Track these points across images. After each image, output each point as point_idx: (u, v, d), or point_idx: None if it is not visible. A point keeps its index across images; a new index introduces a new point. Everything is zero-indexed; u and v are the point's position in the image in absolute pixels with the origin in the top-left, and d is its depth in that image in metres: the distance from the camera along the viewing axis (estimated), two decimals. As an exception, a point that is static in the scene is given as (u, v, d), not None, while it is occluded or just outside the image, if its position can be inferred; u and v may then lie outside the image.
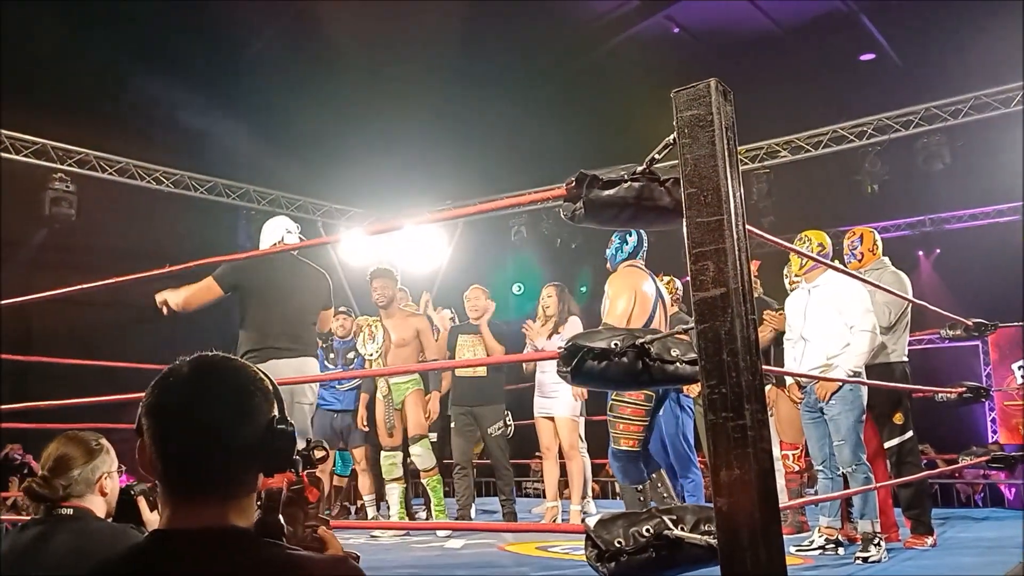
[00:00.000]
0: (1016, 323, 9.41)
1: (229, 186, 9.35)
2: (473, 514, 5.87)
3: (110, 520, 2.16)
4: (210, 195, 9.19)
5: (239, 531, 1.16)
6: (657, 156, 1.74)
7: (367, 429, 5.90)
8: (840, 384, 4.10)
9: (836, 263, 4.37)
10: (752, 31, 10.13)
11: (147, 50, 8.89)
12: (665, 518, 1.66)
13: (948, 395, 4.75)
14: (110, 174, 8.39)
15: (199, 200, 9.14)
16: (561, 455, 5.68)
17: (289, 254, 4.12)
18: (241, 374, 1.23)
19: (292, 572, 1.13)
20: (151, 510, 2.20)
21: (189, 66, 9.55)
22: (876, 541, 4.03)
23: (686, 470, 5.01)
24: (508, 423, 6.15)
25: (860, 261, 4.83)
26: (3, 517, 7.11)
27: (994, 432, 11.01)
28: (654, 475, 4.15)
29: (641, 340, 1.78)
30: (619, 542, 1.63)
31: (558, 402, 5.53)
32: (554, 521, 5.55)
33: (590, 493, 6.05)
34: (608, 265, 4.52)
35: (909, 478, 4.35)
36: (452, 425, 5.89)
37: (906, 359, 4.72)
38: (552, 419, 5.60)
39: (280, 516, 1.27)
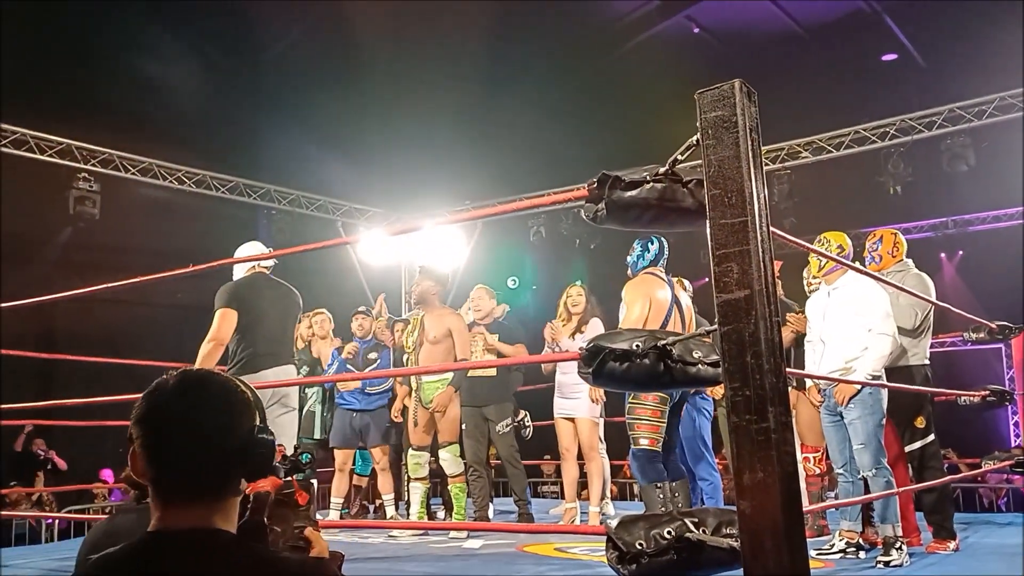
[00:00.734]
0: (1040, 326, 9.28)
1: (250, 186, 9.40)
2: (491, 515, 5.85)
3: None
4: (231, 195, 9.24)
5: (221, 532, 1.25)
6: (680, 157, 1.74)
7: (400, 420, 5.99)
8: (859, 388, 4.06)
9: (856, 264, 4.34)
10: (773, 31, 10.10)
11: (171, 51, 8.97)
12: (687, 520, 1.66)
13: (971, 399, 4.70)
14: (133, 174, 8.45)
15: (221, 200, 9.20)
16: (580, 456, 5.67)
17: (264, 275, 4.54)
18: (224, 386, 1.32)
19: (266, 571, 1.24)
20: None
21: (213, 67, 9.64)
22: (898, 545, 4.00)
23: (703, 472, 5.00)
24: (526, 423, 6.13)
25: (880, 264, 4.77)
26: (27, 513, 7.21)
27: (1017, 436, 10.88)
28: (675, 482, 4.12)
29: (663, 342, 1.78)
30: (640, 544, 1.63)
31: (580, 403, 5.50)
32: (572, 522, 5.54)
33: (609, 494, 6.03)
34: (628, 271, 4.52)
35: (932, 483, 4.31)
36: (463, 427, 5.73)
37: (927, 362, 4.65)
38: (572, 420, 5.59)
39: (266, 518, 1.35)
